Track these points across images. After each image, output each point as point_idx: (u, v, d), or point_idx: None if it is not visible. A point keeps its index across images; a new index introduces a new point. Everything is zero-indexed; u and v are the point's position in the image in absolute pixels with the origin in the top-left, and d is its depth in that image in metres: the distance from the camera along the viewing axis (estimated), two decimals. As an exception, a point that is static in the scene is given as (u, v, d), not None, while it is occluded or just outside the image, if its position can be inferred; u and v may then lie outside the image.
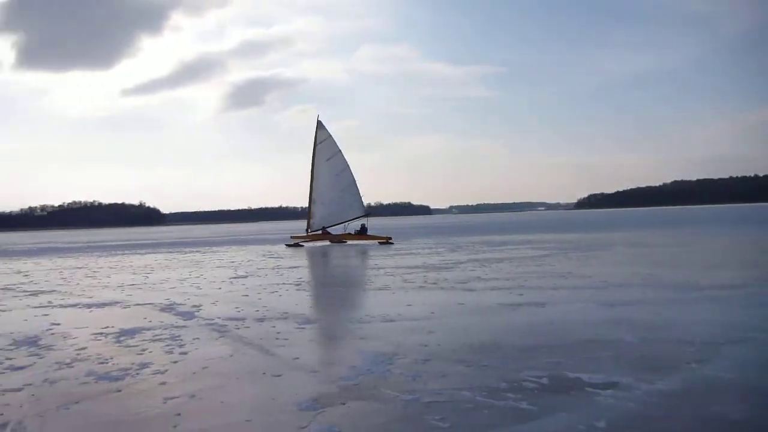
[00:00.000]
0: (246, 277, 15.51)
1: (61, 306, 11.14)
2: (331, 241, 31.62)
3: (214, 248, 32.94)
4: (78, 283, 15.33)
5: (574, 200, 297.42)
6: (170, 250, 33.01)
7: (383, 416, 4.64)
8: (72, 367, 6.37)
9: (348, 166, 32.85)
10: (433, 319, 8.60)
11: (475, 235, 37.73)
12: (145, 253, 29.99)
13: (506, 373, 5.62)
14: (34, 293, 13.34)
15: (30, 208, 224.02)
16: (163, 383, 5.66)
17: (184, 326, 8.58)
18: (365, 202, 33.95)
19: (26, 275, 18.77)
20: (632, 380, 5.23)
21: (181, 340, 7.60)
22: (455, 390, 5.15)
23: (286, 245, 31.28)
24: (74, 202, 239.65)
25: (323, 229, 32.07)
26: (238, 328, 8.27)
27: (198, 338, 7.69)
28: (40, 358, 6.85)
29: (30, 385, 5.73)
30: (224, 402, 5.07)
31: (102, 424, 4.62)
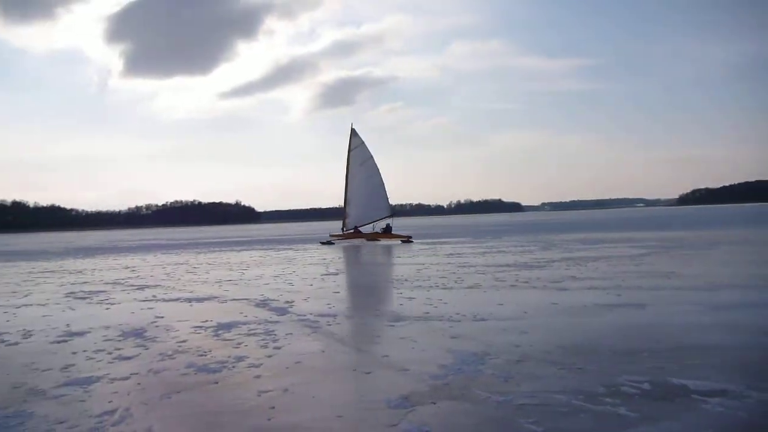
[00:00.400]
0: (337, 273, 15.77)
1: (164, 300, 11.72)
2: (366, 240, 33.67)
3: (306, 245, 33.73)
4: (179, 279, 16.09)
5: (676, 196, 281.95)
6: (264, 247, 34.10)
7: (474, 417, 4.55)
8: (174, 358, 6.68)
9: (378, 170, 35.23)
10: (525, 319, 8.39)
11: (569, 233, 36.62)
12: (241, 250, 31.11)
13: (603, 376, 5.38)
14: (141, 287, 14.12)
15: (136, 207, 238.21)
16: (258, 377, 5.82)
17: (277, 321, 8.81)
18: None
19: (133, 270, 19.92)
20: (743, 388, 4.87)
21: (275, 335, 7.80)
22: (549, 393, 4.97)
23: (321, 242, 34.54)
24: (176, 202, 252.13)
25: (355, 228, 34.54)
26: (330, 325, 8.40)
27: (291, 333, 7.87)
28: (146, 349, 7.22)
29: (136, 374, 6.05)
30: (315, 397, 5.14)
31: (201, 414, 4.79)
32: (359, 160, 35.09)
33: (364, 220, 34.47)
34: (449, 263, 17.74)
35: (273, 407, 4.87)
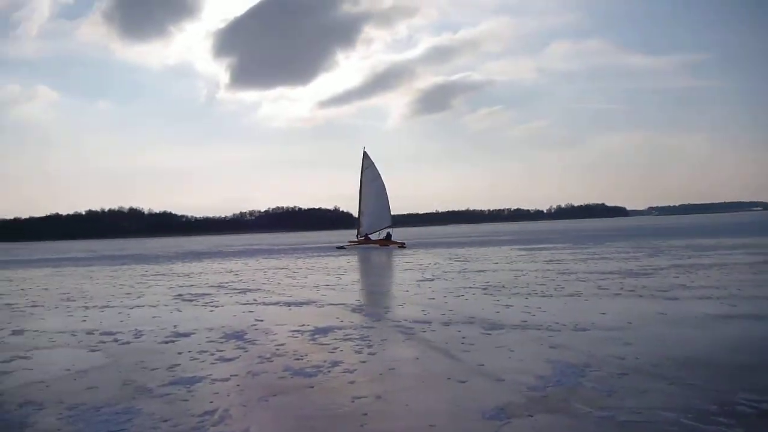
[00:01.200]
0: (432, 280, 15.67)
1: (264, 303, 12.07)
2: (379, 245, 38.26)
3: (403, 251, 33.85)
4: (279, 283, 16.56)
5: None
6: (362, 252, 34.52)
7: (574, 433, 4.34)
8: (272, 361, 6.83)
9: (384, 188, 41.30)
10: (630, 330, 7.95)
11: (678, 239, 34.63)
12: (338, 255, 31.66)
13: (717, 394, 4.98)
14: (242, 291, 14.64)
15: (240, 213, 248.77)
16: (352, 382, 5.84)
17: (372, 327, 8.84)
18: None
19: (236, 274, 20.72)
20: None
21: (370, 340, 7.83)
22: (655, 409, 4.66)
23: (336, 247, 40.14)
24: (277, 208, 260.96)
25: (366, 235, 40.26)
26: (424, 331, 8.33)
27: (385, 339, 7.87)
28: (245, 351, 7.44)
29: (236, 376, 6.23)
30: (409, 405, 5.08)
31: (296, 418, 4.85)
32: (370, 177, 41.08)
33: (374, 228, 40.23)
34: (548, 270, 17.22)
35: (366, 414, 4.86)
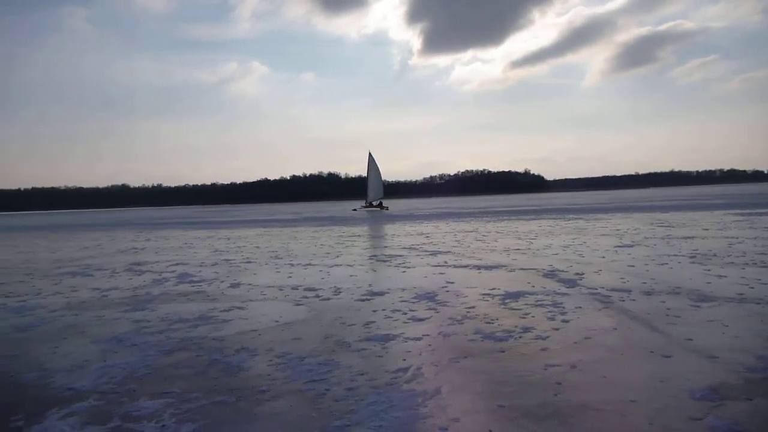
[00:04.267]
0: (632, 246, 14.68)
1: (454, 266, 12.17)
2: (380, 208, 59.54)
3: (598, 215, 32.17)
4: (469, 246, 16.59)
5: None
6: (553, 216, 33.44)
7: (806, 424, 3.80)
8: (462, 324, 6.86)
9: (380, 173, 66.31)
10: None
11: None
12: (530, 219, 30.95)
13: None
14: (433, 253, 14.89)
15: (431, 177, 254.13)
16: (545, 349, 5.66)
17: (566, 293, 8.50)
18: None
19: (427, 237, 21.14)
20: None
21: (563, 307, 7.54)
22: None
23: (353, 209, 63.34)
24: (467, 171, 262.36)
25: (370, 203, 63.63)
26: (623, 300, 7.83)
27: (580, 307, 7.52)
28: (436, 312, 7.56)
29: (427, 336, 6.35)
30: (607, 377, 4.80)
31: (486, 382, 4.82)
32: (372, 168, 65.21)
33: (374, 198, 64.01)
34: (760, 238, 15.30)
35: (559, 383, 4.68)
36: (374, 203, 62.73)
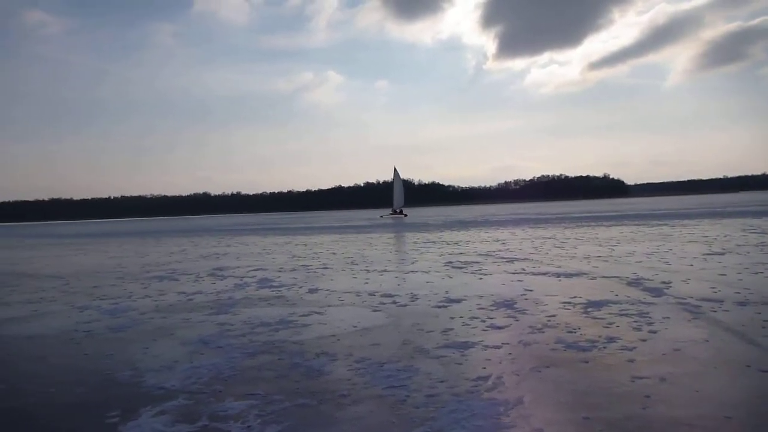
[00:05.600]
0: (722, 254, 13.97)
1: (533, 273, 11.94)
2: (396, 214, 70.59)
3: (684, 221, 30.81)
4: (547, 253, 16.24)
5: None
6: (635, 222, 32.28)
7: None
8: (543, 332, 6.71)
9: (402, 185, 74.73)
10: None
11: None
12: (610, 226, 29.99)
13: None
14: (510, 260, 14.67)
15: (505, 182, 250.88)
16: (631, 361, 5.46)
17: (652, 303, 8.18)
18: None
19: (503, 243, 20.85)
20: None
21: (650, 317, 7.25)
22: None
23: (380, 216, 74.25)
24: (542, 176, 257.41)
25: (394, 210, 72.14)
26: (714, 311, 7.44)
27: (668, 317, 7.21)
28: (516, 320, 7.43)
29: (507, 344, 6.25)
30: (699, 392, 4.58)
31: (571, 392, 4.69)
32: (398, 180, 74.84)
33: (397, 207, 72.35)
34: None
35: (648, 396, 4.50)
36: (398, 211, 72.12)
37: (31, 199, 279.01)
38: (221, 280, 13.16)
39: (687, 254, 14.16)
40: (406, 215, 69.11)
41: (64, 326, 8.38)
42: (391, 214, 73.02)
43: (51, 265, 20.04)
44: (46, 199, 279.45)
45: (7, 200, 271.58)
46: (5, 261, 23.19)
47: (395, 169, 76.05)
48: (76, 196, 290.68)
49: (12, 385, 5.55)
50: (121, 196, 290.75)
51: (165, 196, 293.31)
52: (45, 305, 10.48)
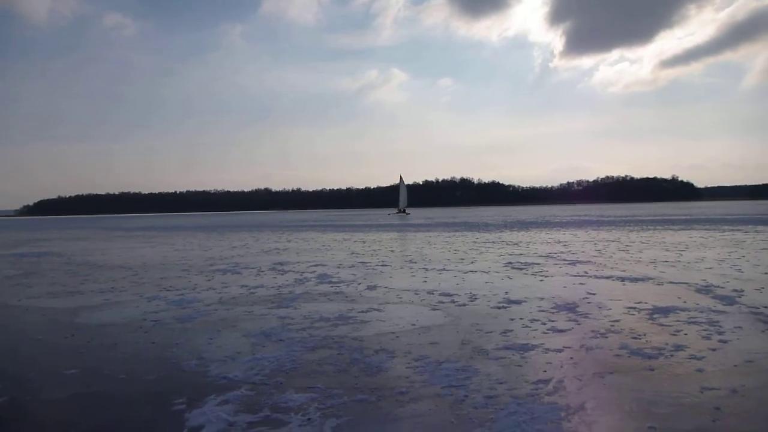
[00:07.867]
0: (799, 262, 13.28)
1: (596, 277, 11.66)
2: (401, 212, 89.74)
3: (759, 227, 29.44)
4: (611, 256, 15.83)
5: None
6: (706, 227, 31.06)
7: None
8: (606, 337, 6.55)
9: (406, 188, 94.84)
10: None
11: None
12: (678, 230, 28.97)
13: None
14: (572, 263, 14.37)
15: (568, 183, 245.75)
16: (700, 370, 5.26)
17: (722, 311, 7.86)
18: None
19: (565, 245, 20.44)
20: None
21: (720, 326, 6.97)
22: None
23: (388, 214, 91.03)
24: (607, 177, 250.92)
25: (399, 209, 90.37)
26: (791, 322, 7.09)
27: (740, 327, 6.91)
28: (578, 324, 7.27)
29: (569, 348, 6.13)
30: (775, 406, 4.37)
31: (636, 400, 4.55)
32: (402, 184, 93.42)
33: (402, 207, 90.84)
34: None
35: (718, 408, 4.32)
36: (402, 210, 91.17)
37: (102, 192, 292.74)
38: (282, 274, 13.40)
39: (761, 262, 13.54)
40: (409, 214, 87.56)
41: (133, 315, 8.71)
42: (397, 212, 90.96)
43: (121, 256, 20.86)
44: (116, 192, 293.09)
45: (81, 193, 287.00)
46: (80, 252, 24.29)
47: (401, 177, 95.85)
48: (144, 190, 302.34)
49: (85, 371, 5.81)
50: (186, 191, 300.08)
51: (228, 192, 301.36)
52: (115, 295, 10.92)
